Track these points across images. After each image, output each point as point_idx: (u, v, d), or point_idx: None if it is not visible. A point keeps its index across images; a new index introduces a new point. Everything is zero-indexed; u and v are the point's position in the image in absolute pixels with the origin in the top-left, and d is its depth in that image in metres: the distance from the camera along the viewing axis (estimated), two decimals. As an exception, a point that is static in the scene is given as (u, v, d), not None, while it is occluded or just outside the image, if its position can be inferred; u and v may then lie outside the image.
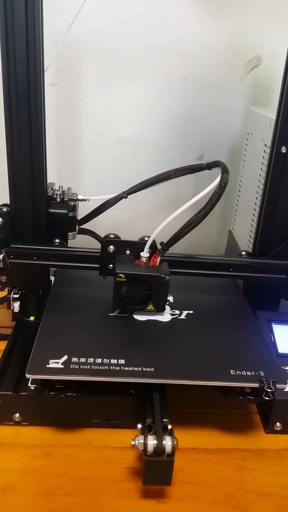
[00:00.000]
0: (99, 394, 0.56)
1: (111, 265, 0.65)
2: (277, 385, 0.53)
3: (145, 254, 0.64)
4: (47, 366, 0.52)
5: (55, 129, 0.86)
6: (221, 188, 0.59)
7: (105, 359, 0.54)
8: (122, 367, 0.53)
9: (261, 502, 0.51)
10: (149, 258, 0.64)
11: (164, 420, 0.51)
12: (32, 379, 0.57)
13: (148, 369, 0.54)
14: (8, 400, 0.56)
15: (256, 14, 0.82)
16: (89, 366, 0.53)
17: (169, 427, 0.49)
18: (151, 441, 0.47)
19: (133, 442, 0.48)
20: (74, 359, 0.54)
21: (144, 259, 0.64)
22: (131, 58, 0.83)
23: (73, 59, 0.82)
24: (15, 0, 0.54)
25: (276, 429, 0.59)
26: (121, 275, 0.61)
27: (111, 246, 0.65)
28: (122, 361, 0.54)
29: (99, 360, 0.54)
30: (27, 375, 0.52)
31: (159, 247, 0.64)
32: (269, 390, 0.53)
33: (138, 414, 0.56)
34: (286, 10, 0.81)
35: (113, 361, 0.54)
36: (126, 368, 0.53)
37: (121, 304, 0.63)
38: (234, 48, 0.84)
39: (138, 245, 0.64)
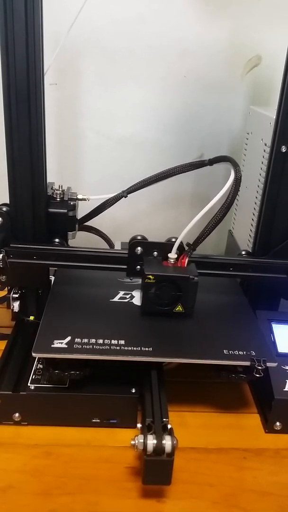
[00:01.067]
0: (99, 393, 0.56)
1: (138, 267, 0.65)
2: (267, 364, 0.56)
3: (173, 255, 0.64)
4: (52, 346, 0.55)
5: (55, 129, 0.86)
6: (237, 181, 0.60)
7: (106, 340, 0.57)
8: (122, 347, 0.56)
9: (261, 501, 0.51)
10: (177, 259, 0.64)
11: (164, 419, 0.51)
12: (32, 378, 0.58)
13: (146, 349, 0.56)
14: (8, 400, 0.56)
15: (256, 14, 0.82)
16: (91, 346, 0.56)
17: (169, 426, 0.49)
18: (151, 441, 0.47)
19: (132, 442, 0.48)
20: (77, 340, 0.56)
21: (172, 260, 0.64)
22: (131, 58, 0.83)
23: (73, 59, 0.82)
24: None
25: (276, 428, 0.59)
26: (150, 276, 0.61)
27: (139, 248, 0.65)
28: (122, 342, 0.57)
29: (100, 341, 0.57)
30: (33, 354, 0.54)
31: (186, 248, 0.64)
32: (259, 367, 0.55)
33: (138, 414, 0.57)
34: (286, 10, 0.81)
35: (114, 341, 0.57)
36: (126, 348, 0.56)
37: (150, 306, 0.63)
38: (234, 48, 0.84)
39: (165, 246, 0.64)
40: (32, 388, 0.57)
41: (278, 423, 0.59)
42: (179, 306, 0.63)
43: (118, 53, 0.82)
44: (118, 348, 0.56)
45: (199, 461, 0.55)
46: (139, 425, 0.51)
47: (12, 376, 0.59)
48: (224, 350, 0.57)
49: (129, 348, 0.56)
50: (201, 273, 0.66)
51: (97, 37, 0.81)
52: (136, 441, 0.48)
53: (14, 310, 0.68)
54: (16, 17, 0.54)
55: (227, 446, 0.57)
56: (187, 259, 0.63)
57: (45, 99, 0.60)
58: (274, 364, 0.57)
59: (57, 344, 0.55)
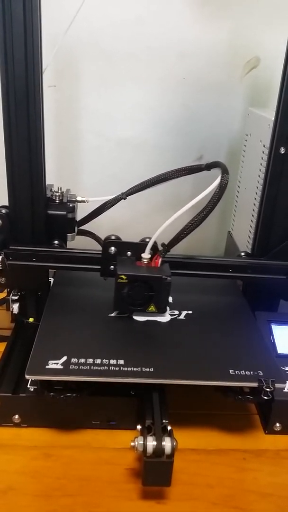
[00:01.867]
0: (98, 395, 0.56)
1: (112, 267, 0.65)
2: (276, 385, 0.53)
3: (146, 255, 0.64)
4: (47, 367, 0.53)
5: (54, 130, 0.86)
6: (222, 188, 0.60)
7: (104, 360, 0.54)
8: (121, 368, 0.54)
9: (261, 502, 0.51)
10: (150, 259, 0.64)
11: (164, 421, 0.51)
12: (31, 380, 0.57)
13: (147, 369, 0.54)
14: (7, 402, 0.56)
15: (255, 15, 0.82)
16: (88, 367, 0.53)
17: (169, 428, 0.49)
18: (151, 442, 0.47)
19: (132, 443, 0.48)
20: (74, 360, 0.54)
21: (145, 260, 0.64)
22: (130, 59, 0.83)
23: (72, 61, 0.82)
24: (13, 1, 0.54)
25: (275, 429, 0.59)
26: (123, 276, 0.61)
27: (112, 248, 0.65)
28: (121, 362, 0.54)
29: (98, 361, 0.54)
30: (27, 376, 0.52)
31: (160, 248, 0.64)
32: (268, 389, 0.53)
33: (138, 415, 0.56)
34: (285, 11, 0.81)
35: (113, 361, 0.54)
36: (125, 369, 0.53)
37: (122, 305, 0.63)
38: (233, 49, 0.84)
39: (139, 247, 0.64)
40: (32, 390, 0.56)
41: (278, 424, 0.59)
42: (152, 306, 0.63)
43: (117, 55, 0.82)
44: (117, 368, 0.53)
45: (198, 462, 0.55)
46: (138, 427, 0.51)
47: (11, 378, 0.59)
48: (230, 370, 0.55)
49: (129, 369, 0.53)
50: (200, 275, 0.66)
51: (96, 39, 0.81)
52: (136, 443, 0.48)
53: (13, 312, 0.68)
54: (14, 20, 0.55)
55: (227, 447, 0.57)
56: (160, 260, 0.63)
57: (43, 101, 0.60)
58: (283, 385, 0.55)
59: (52, 364, 0.53)
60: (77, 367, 0.53)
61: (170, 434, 0.49)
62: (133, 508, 0.49)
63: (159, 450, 0.47)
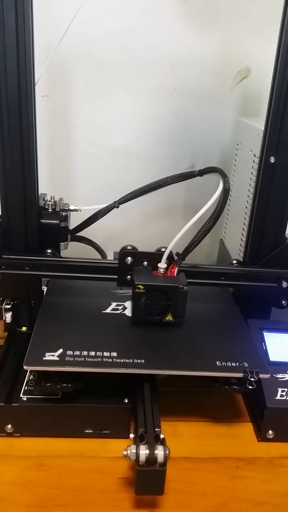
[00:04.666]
0: (91, 404, 0.56)
1: (129, 277, 0.66)
2: (260, 375, 0.56)
3: (162, 265, 0.64)
4: (44, 358, 0.55)
5: (47, 140, 0.87)
6: (226, 192, 0.62)
7: (98, 352, 0.57)
8: (114, 359, 0.56)
9: (254, 510, 0.51)
10: (167, 268, 0.64)
11: (156, 429, 0.51)
12: (24, 390, 0.57)
13: (138, 361, 0.56)
14: (0, 411, 0.56)
15: (245, 26, 0.83)
16: (83, 358, 0.56)
17: (161, 436, 0.50)
18: (143, 451, 0.47)
19: (125, 452, 0.48)
20: (69, 352, 0.56)
21: (161, 270, 0.64)
22: (123, 69, 0.84)
23: (65, 71, 0.83)
24: (5, 12, 0.54)
25: (268, 437, 0.59)
26: (140, 286, 0.61)
27: (129, 258, 0.65)
28: (114, 354, 0.57)
29: (92, 353, 0.57)
30: (25, 367, 0.54)
31: (175, 257, 0.64)
32: (252, 379, 0.55)
33: (130, 424, 0.57)
34: (274, 22, 0.83)
35: (106, 353, 0.57)
36: (118, 360, 0.56)
37: (140, 315, 0.63)
38: (224, 60, 0.85)
39: (155, 256, 0.65)
40: (25, 399, 0.56)
41: (270, 432, 0.59)
42: (169, 315, 0.63)
43: (110, 65, 0.83)
44: (110, 360, 0.56)
45: (192, 470, 0.55)
46: (131, 435, 0.51)
47: (4, 387, 0.58)
48: (217, 362, 0.57)
49: (122, 360, 0.56)
50: (192, 283, 0.66)
51: (89, 49, 0.82)
52: (129, 452, 0.48)
53: (6, 321, 0.68)
54: (7, 31, 0.55)
55: (220, 455, 0.57)
56: (176, 269, 0.64)
57: (36, 111, 0.60)
58: (267, 376, 0.57)
59: (48, 356, 0.55)
60: (72, 358, 0.55)
61: (162, 442, 0.49)
62: (126, 518, 0.49)
63: (151, 459, 0.47)
